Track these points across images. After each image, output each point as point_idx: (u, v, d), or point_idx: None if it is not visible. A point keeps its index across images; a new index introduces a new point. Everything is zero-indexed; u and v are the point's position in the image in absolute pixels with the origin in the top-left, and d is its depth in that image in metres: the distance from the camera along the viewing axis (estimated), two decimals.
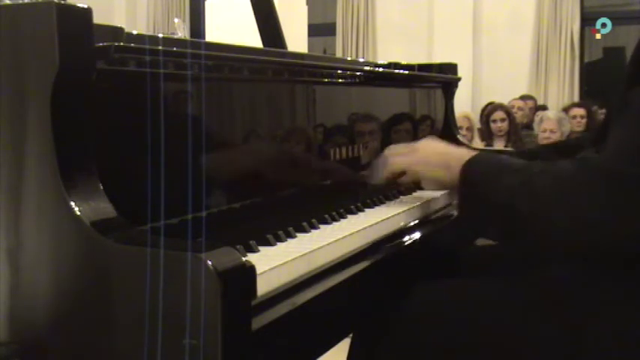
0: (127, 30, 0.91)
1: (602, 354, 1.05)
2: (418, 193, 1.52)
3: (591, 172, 1.05)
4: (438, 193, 1.48)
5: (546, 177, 1.10)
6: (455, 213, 1.47)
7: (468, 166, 1.21)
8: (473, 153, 1.26)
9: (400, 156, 1.34)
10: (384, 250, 1.15)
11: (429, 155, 1.31)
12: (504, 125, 5.24)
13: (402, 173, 1.36)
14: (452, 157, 1.26)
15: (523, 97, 6.41)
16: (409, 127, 1.79)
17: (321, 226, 1.14)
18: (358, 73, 1.52)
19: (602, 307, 1.07)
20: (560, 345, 1.07)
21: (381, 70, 1.72)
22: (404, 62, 1.92)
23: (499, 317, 1.13)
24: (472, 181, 1.19)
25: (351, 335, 1.36)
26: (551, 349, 1.07)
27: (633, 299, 1.06)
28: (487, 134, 5.37)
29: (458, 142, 1.98)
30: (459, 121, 3.96)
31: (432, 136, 1.59)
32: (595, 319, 1.06)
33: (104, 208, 0.81)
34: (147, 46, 0.90)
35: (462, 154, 1.24)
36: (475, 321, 1.14)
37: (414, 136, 1.81)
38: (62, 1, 0.79)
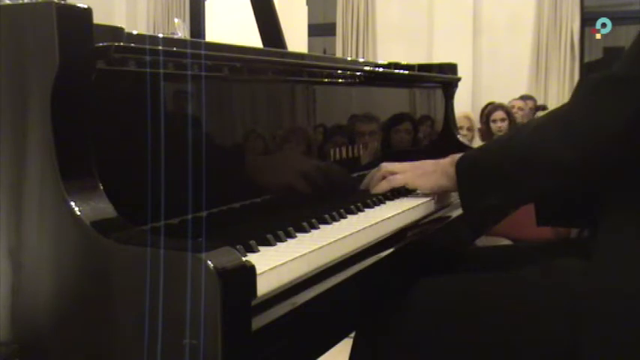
0: (127, 30, 0.91)
1: (603, 350, 1.05)
2: (418, 193, 1.51)
3: (593, 82, 1.14)
4: None
5: (545, 114, 1.18)
6: (454, 214, 1.47)
7: (462, 158, 1.29)
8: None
9: (399, 174, 1.39)
10: (384, 250, 1.14)
11: (426, 170, 1.38)
12: (504, 125, 5.24)
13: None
14: (444, 162, 1.35)
15: (523, 97, 6.41)
16: (409, 127, 1.79)
17: (321, 226, 1.13)
18: (358, 73, 1.52)
19: (605, 300, 1.07)
20: (560, 340, 1.07)
21: (381, 70, 1.73)
22: (404, 62, 1.92)
23: (499, 314, 1.13)
24: (467, 167, 1.27)
25: (353, 334, 1.36)
26: (552, 345, 1.08)
27: None
28: (487, 134, 5.37)
29: (458, 143, 1.98)
30: (459, 121, 3.96)
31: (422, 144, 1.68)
32: (597, 312, 1.06)
33: (104, 208, 0.81)
34: (147, 46, 0.90)
35: (454, 157, 1.32)
36: (475, 318, 1.14)
37: (414, 136, 1.81)
38: (62, 1, 0.79)
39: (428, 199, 1.43)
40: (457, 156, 1.32)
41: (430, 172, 1.37)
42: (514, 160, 1.20)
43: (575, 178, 1.17)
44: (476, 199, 1.26)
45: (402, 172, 1.39)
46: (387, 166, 1.41)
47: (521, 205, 1.55)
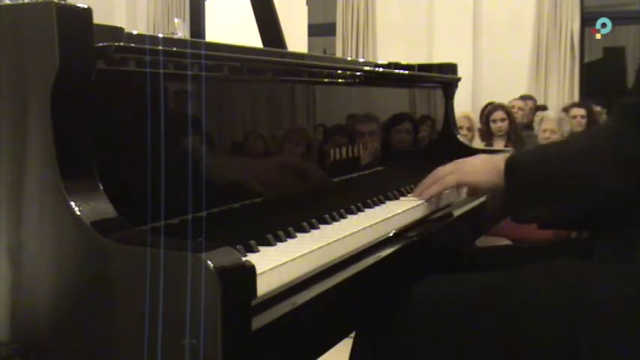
0: (127, 30, 0.91)
1: (604, 350, 1.05)
2: None
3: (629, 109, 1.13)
4: None
5: (599, 128, 1.18)
6: (455, 213, 1.47)
7: (511, 159, 1.26)
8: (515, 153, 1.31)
9: (450, 174, 1.37)
10: (384, 250, 1.14)
11: (476, 166, 1.35)
12: (504, 125, 5.23)
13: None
14: (497, 160, 1.31)
15: (523, 97, 6.40)
16: (409, 127, 1.79)
17: (321, 226, 1.14)
18: (358, 73, 1.52)
19: (605, 300, 1.07)
20: (560, 340, 1.07)
21: (381, 70, 1.73)
22: (404, 62, 1.92)
23: (499, 314, 1.13)
24: (516, 169, 1.24)
25: (353, 334, 1.36)
26: (552, 345, 1.08)
27: None
28: (487, 134, 5.37)
29: (458, 143, 1.98)
30: (459, 121, 3.96)
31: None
32: (597, 312, 1.06)
33: (104, 208, 0.81)
34: (147, 46, 0.90)
35: (504, 156, 1.30)
36: (475, 318, 1.14)
37: (414, 136, 1.81)
38: (62, 1, 0.79)
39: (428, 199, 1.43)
40: (508, 155, 1.30)
41: (485, 171, 1.32)
42: (568, 180, 1.19)
43: (622, 201, 1.16)
44: (524, 209, 1.24)
45: (452, 171, 1.37)
46: (438, 170, 1.40)
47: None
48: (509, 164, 1.26)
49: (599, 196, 1.16)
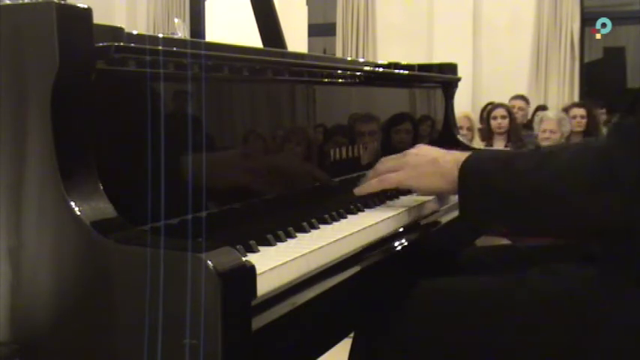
0: (127, 30, 0.91)
1: (604, 352, 1.05)
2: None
3: (628, 131, 1.01)
4: None
5: (570, 150, 1.10)
6: (455, 214, 1.47)
7: (467, 165, 1.18)
8: (466, 154, 1.22)
9: (392, 173, 1.29)
10: (384, 250, 1.14)
11: (421, 166, 1.26)
12: (505, 122, 5.25)
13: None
14: (444, 162, 1.23)
15: (516, 97, 6.36)
16: (409, 127, 1.79)
17: (321, 226, 1.13)
18: (358, 73, 1.52)
19: (604, 303, 1.07)
20: (560, 343, 1.07)
21: (381, 70, 1.72)
22: (404, 62, 1.92)
23: (498, 315, 1.13)
24: (474, 178, 1.17)
25: (352, 334, 1.36)
26: (552, 347, 1.08)
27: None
28: (487, 133, 5.38)
29: (458, 143, 1.98)
30: (459, 121, 3.96)
31: (423, 144, 1.46)
32: (596, 315, 1.06)
33: (104, 208, 0.81)
34: (147, 46, 0.90)
35: (455, 158, 1.21)
36: (475, 319, 1.14)
37: (414, 136, 1.81)
38: (62, 1, 0.79)
39: (429, 198, 1.43)
40: (460, 157, 1.21)
41: (429, 174, 1.24)
42: (540, 195, 1.09)
43: (619, 236, 1.09)
44: (482, 219, 1.19)
45: (396, 169, 1.29)
46: (385, 161, 1.32)
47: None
48: (465, 174, 1.17)
49: (584, 224, 1.08)
